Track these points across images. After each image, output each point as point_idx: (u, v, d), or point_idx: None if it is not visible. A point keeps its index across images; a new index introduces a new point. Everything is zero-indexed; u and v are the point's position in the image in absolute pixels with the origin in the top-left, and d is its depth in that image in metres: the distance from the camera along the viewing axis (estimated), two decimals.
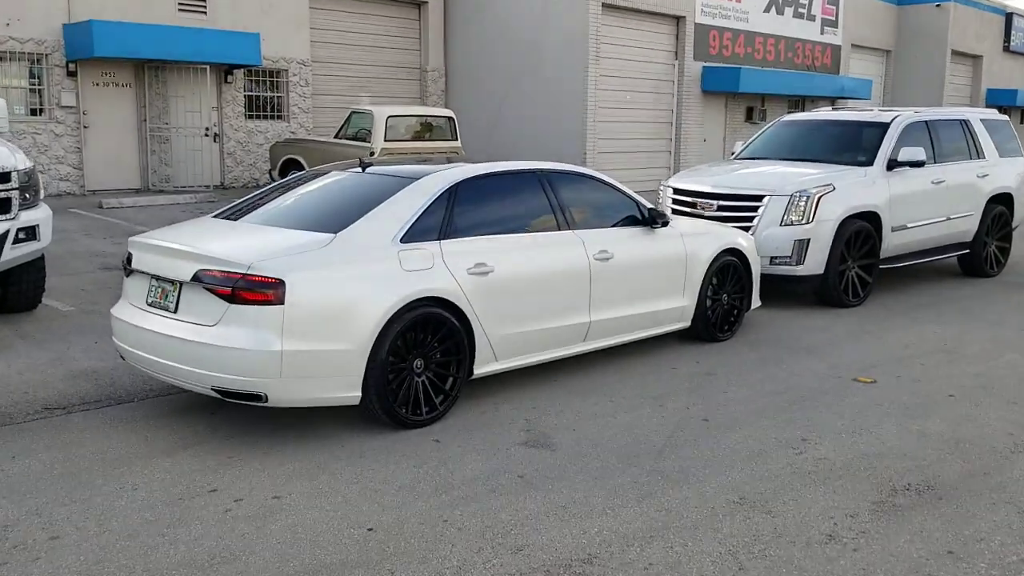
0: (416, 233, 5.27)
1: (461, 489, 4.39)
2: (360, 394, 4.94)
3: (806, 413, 5.58)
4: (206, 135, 16.61)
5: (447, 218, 5.45)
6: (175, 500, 4.25)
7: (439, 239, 5.35)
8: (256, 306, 4.65)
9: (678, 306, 6.82)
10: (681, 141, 20.62)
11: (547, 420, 5.37)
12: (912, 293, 9.51)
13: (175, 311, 4.95)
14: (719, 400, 5.80)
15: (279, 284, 4.65)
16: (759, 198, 8.60)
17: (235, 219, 5.58)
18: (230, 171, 17.21)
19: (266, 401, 4.72)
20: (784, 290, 8.90)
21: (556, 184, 6.18)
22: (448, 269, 5.28)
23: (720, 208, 8.77)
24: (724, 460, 4.79)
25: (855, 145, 9.52)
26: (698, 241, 6.97)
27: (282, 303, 4.64)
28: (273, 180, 15.67)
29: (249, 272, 4.67)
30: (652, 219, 6.62)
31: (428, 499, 4.28)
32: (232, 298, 4.67)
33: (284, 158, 15.66)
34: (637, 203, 6.66)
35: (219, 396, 4.80)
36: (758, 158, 9.96)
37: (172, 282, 4.98)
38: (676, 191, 9.29)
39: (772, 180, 8.75)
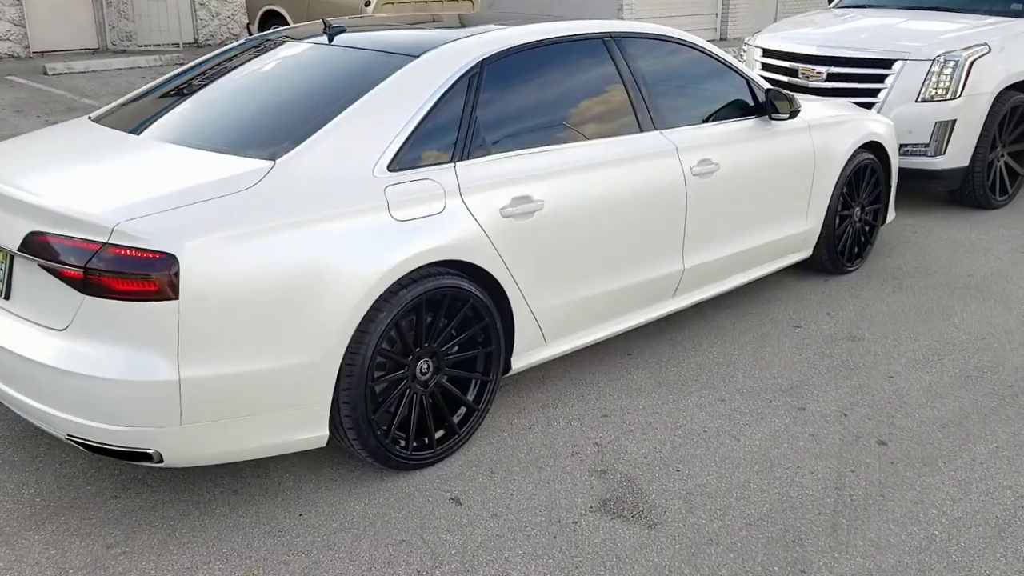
0: (415, 153, 3.12)
1: None
2: (327, 433, 2.94)
3: None
4: None
5: (467, 122, 3.28)
6: None
7: (453, 160, 3.21)
8: (129, 302, 2.58)
9: (800, 231, 4.70)
10: None
11: (630, 447, 3.37)
12: None
13: (6, 297, 2.90)
14: (887, 395, 3.78)
15: (166, 261, 2.56)
16: (888, 63, 6.28)
17: (128, 128, 3.42)
18: (204, 25, 14.68)
19: (160, 461, 2.73)
20: (905, 187, 6.73)
21: (633, 55, 3.95)
22: (469, 211, 3.16)
23: (831, 77, 6.48)
24: (948, 552, 2.81)
25: None
26: (829, 135, 4.78)
27: (174, 295, 2.57)
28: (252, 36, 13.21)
29: (112, 241, 2.58)
30: (771, 106, 4.41)
31: None
32: (86, 287, 2.60)
33: (263, 10, 13.13)
34: (748, 81, 4.43)
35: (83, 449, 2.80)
36: (871, 6, 7.55)
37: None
38: (767, 52, 6.96)
39: (905, 38, 6.41)
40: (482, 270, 3.22)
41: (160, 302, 2.56)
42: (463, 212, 3.13)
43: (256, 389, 2.72)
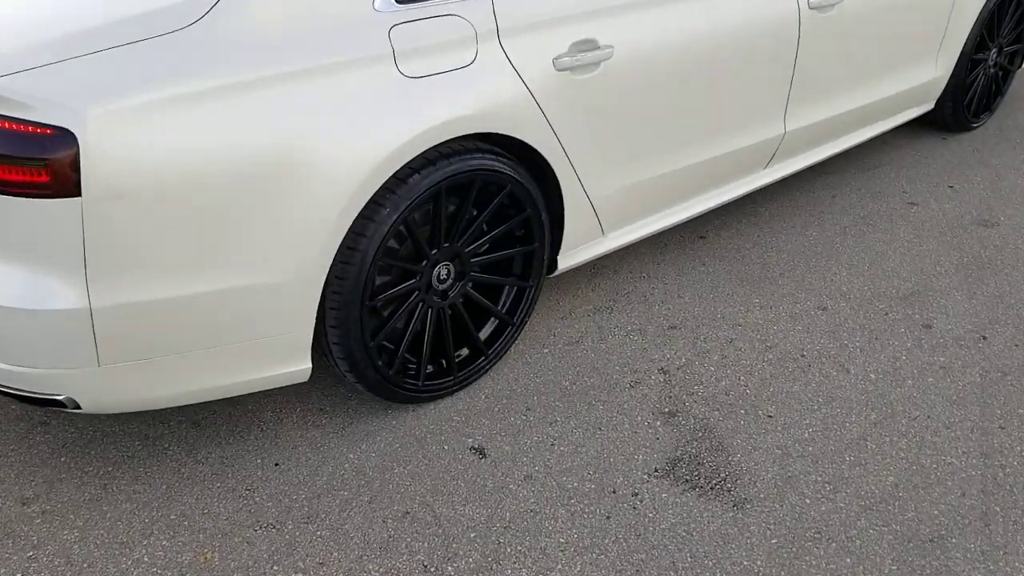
0: None
1: None
2: (309, 365, 2.19)
3: None
4: None
5: None
6: None
7: None
8: (10, 198, 1.77)
9: (925, 81, 3.73)
10: None
11: (706, 376, 2.61)
12: None
13: None
14: None
15: (60, 139, 1.73)
16: None
17: None
18: None
19: (77, 408, 2.00)
20: None
21: None
22: (510, 62, 2.26)
23: None
24: None
25: None
26: None
27: (75, 190, 1.76)
28: None
29: None
30: None
31: None
32: None
33: None
34: None
35: None
36: None
37: None
38: None
39: None
40: (526, 145, 2.35)
41: (55, 199, 1.75)
42: (502, 63, 2.23)
43: (203, 318, 1.95)
